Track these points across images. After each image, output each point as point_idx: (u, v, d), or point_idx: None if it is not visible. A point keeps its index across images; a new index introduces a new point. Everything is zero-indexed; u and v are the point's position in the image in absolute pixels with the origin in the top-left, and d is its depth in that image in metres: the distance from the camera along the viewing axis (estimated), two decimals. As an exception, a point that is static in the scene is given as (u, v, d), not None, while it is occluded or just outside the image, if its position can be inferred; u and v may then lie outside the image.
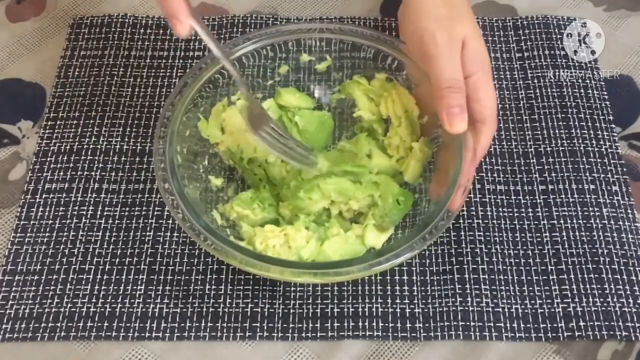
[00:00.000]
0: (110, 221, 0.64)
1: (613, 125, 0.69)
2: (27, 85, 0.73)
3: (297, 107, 0.67)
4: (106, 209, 0.64)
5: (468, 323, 0.58)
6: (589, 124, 0.69)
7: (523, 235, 0.63)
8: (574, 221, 0.64)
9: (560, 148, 0.68)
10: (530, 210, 0.64)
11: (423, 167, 0.63)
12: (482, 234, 0.63)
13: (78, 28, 0.76)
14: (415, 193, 0.63)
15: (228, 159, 0.65)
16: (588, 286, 0.60)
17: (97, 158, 0.67)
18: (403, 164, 0.64)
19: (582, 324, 0.59)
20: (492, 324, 0.59)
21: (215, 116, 0.63)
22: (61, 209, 0.64)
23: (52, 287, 0.60)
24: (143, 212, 0.64)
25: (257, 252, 0.58)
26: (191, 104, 0.62)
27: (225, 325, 0.59)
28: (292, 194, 0.61)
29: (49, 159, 0.67)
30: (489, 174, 0.66)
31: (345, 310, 0.59)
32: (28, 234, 0.63)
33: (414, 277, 0.61)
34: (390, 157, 0.65)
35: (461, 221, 0.63)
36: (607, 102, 0.71)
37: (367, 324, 0.59)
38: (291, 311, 0.59)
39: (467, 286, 0.60)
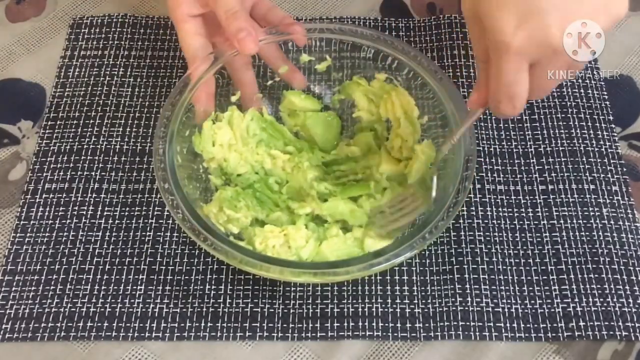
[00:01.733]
0: (110, 221, 0.64)
1: (613, 125, 0.69)
2: (27, 85, 0.73)
3: (302, 109, 0.67)
4: (106, 209, 0.64)
5: (468, 323, 0.58)
6: (589, 124, 0.69)
7: (523, 235, 0.63)
8: (574, 221, 0.64)
9: (560, 148, 0.68)
10: (530, 210, 0.64)
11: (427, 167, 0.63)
12: (482, 234, 0.63)
13: (78, 28, 0.76)
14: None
15: (219, 176, 0.64)
16: (588, 286, 0.60)
17: (97, 158, 0.67)
18: (407, 165, 0.64)
19: (582, 324, 0.59)
20: (492, 324, 0.59)
21: (206, 131, 0.63)
22: (61, 209, 0.64)
23: (52, 287, 0.60)
24: (143, 212, 0.64)
25: (257, 252, 0.58)
26: (191, 104, 0.61)
27: (225, 325, 0.59)
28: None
29: (49, 159, 0.67)
30: (489, 174, 0.66)
31: (345, 310, 0.59)
32: (28, 234, 0.63)
33: (414, 277, 0.61)
34: (399, 161, 0.65)
35: (461, 221, 0.63)
36: (607, 102, 0.71)
37: (367, 324, 0.59)
38: (291, 311, 0.59)
39: (467, 286, 0.60)
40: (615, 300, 0.60)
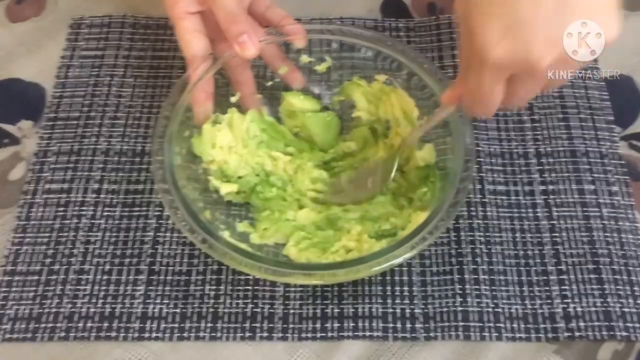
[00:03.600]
0: (110, 221, 0.64)
1: (613, 125, 0.69)
2: (27, 85, 0.73)
3: (302, 110, 0.67)
4: (106, 209, 0.64)
5: (468, 323, 0.58)
6: (589, 124, 0.69)
7: (523, 235, 0.63)
8: (574, 221, 0.64)
9: (560, 148, 0.68)
10: (530, 210, 0.64)
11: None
12: (482, 234, 0.63)
13: (78, 28, 0.76)
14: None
15: (220, 178, 0.64)
16: (588, 286, 0.60)
17: (97, 158, 0.67)
18: (407, 164, 0.64)
19: (582, 324, 0.59)
20: (492, 324, 0.59)
21: (206, 134, 0.62)
22: (61, 209, 0.64)
23: (52, 287, 0.60)
24: (143, 213, 0.64)
25: (255, 253, 0.57)
26: (191, 104, 0.61)
27: (225, 325, 0.59)
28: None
29: (49, 159, 0.67)
30: (489, 174, 0.66)
31: (345, 310, 0.59)
32: (28, 234, 0.63)
33: (414, 277, 0.61)
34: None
35: (461, 221, 0.63)
36: (607, 102, 0.71)
37: (367, 324, 0.59)
38: (291, 311, 0.59)
39: (467, 286, 0.60)
40: (615, 300, 0.60)
